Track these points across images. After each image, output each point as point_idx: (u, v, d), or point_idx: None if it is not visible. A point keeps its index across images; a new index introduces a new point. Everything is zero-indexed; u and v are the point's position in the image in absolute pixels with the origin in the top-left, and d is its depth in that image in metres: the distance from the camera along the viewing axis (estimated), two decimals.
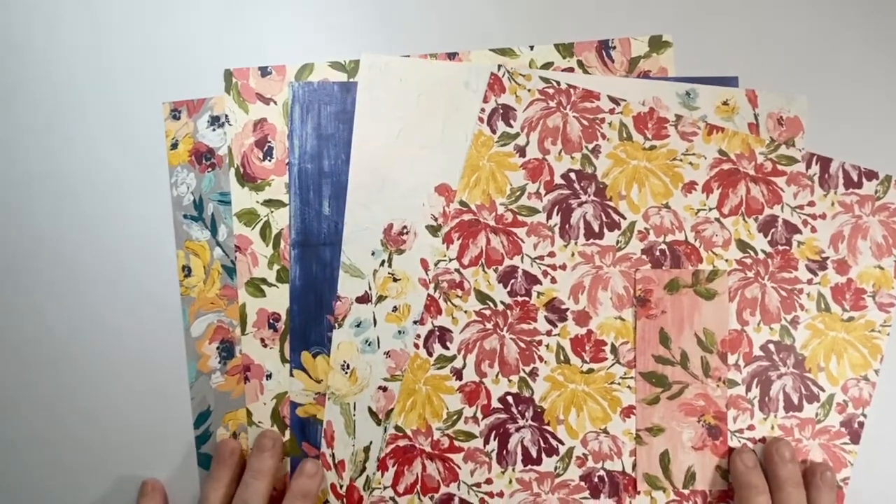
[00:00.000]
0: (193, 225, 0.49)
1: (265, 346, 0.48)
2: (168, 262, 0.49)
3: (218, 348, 0.49)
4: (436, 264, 0.48)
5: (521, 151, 0.48)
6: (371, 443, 0.48)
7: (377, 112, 0.48)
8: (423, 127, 0.48)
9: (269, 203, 0.49)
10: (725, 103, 0.48)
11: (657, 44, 0.49)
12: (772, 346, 0.47)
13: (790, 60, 0.49)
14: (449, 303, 0.48)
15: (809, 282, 0.47)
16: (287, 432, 0.48)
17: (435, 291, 0.48)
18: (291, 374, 0.48)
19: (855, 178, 0.47)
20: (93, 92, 0.50)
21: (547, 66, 0.49)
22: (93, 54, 0.50)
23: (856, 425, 0.46)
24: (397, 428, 0.47)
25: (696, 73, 0.49)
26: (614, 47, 0.49)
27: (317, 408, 0.48)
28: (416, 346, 0.47)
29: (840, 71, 0.49)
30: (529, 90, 0.48)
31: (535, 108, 0.48)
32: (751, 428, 0.46)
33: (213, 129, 0.49)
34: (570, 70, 0.49)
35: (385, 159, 0.48)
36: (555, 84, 0.48)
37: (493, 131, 0.48)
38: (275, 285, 0.48)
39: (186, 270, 0.49)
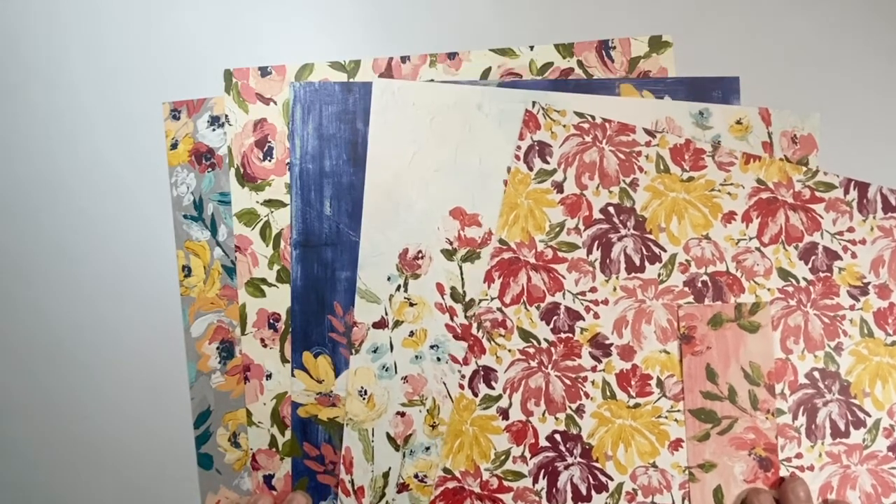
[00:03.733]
0: (193, 225, 0.49)
1: (265, 346, 0.48)
2: (168, 262, 0.49)
3: (218, 348, 0.49)
4: (478, 303, 0.48)
5: (559, 187, 0.48)
6: (390, 468, 0.48)
7: (390, 136, 0.48)
8: (437, 150, 0.48)
9: (269, 203, 0.49)
10: (739, 122, 0.48)
11: (657, 44, 0.49)
12: (816, 374, 0.47)
13: (791, 60, 0.48)
14: (492, 342, 0.47)
15: (852, 308, 0.47)
16: (288, 432, 0.48)
17: (478, 331, 0.47)
18: (293, 375, 0.48)
19: (893, 203, 0.47)
20: (93, 92, 0.50)
21: (547, 66, 0.49)
22: (93, 54, 0.50)
23: None
24: (445, 470, 0.47)
25: (697, 74, 0.48)
26: (614, 47, 0.49)
27: (318, 408, 0.48)
28: (462, 386, 0.47)
29: (842, 69, 0.48)
30: (565, 126, 0.48)
31: (571, 143, 0.48)
32: (798, 456, 0.46)
33: (213, 129, 0.49)
34: (570, 70, 0.48)
35: (399, 183, 0.48)
36: (590, 118, 0.48)
37: (530, 168, 0.48)
38: (275, 285, 0.48)
39: (186, 270, 0.49)
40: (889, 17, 0.48)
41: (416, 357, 0.48)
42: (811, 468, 0.46)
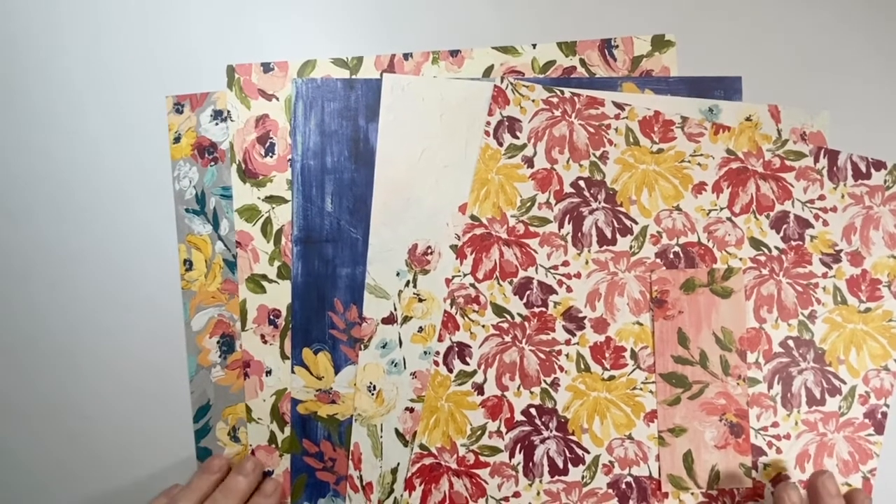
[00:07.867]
0: (195, 219, 0.49)
1: (265, 342, 0.48)
2: (169, 255, 0.49)
3: (218, 342, 0.49)
4: (451, 280, 0.48)
5: (529, 162, 0.48)
6: (398, 464, 0.48)
7: (400, 132, 0.48)
8: (446, 146, 0.48)
9: (270, 199, 0.49)
10: (749, 119, 0.48)
11: (659, 43, 0.49)
12: (791, 342, 0.47)
13: (794, 60, 0.48)
14: (466, 318, 0.47)
15: (824, 275, 0.47)
16: (287, 429, 0.48)
17: (451, 307, 0.47)
18: (293, 371, 0.48)
19: (863, 169, 0.47)
20: (95, 86, 0.50)
21: (549, 64, 0.49)
22: (96, 48, 0.50)
23: (879, 416, 0.46)
24: (422, 446, 0.47)
25: (699, 73, 0.48)
26: (617, 46, 0.49)
27: (317, 405, 0.48)
28: (436, 363, 0.47)
29: (845, 69, 0.48)
30: (534, 100, 0.48)
31: (541, 118, 0.48)
32: (775, 425, 0.46)
33: (216, 123, 0.49)
34: (573, 69, 0.48)
35: (409, 179, 0.48)
36: (558, 93, 0.48)
37: (500, 144, 0.48)
38: (275, 282, 0.48)
39: (188, 264, 0.49)
40: (890, 15, 0.48)
41: (425, 353, 0.48)
42: (787, 437, 0.46)
